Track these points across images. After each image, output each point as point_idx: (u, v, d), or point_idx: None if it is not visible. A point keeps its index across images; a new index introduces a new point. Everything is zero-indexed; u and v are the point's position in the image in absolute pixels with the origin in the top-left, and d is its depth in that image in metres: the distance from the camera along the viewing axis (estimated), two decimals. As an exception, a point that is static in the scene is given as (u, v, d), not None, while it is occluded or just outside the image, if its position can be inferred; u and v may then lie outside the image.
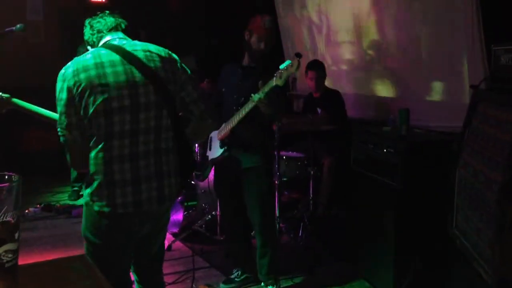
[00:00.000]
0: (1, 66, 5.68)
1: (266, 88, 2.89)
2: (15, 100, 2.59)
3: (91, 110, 2.04)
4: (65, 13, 6.63)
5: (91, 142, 2.09)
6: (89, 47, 2.33)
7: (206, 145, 3.51)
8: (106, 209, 2.10)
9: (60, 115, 2.08)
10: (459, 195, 2.82)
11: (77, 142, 2.10)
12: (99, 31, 2.26)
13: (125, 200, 2.10)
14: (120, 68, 2.09)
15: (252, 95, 2.95)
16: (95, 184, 2.10)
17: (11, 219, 1.07)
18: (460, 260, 2.73)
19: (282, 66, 2.80)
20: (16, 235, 1.09)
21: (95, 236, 2.19)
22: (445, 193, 2.98)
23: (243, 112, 3.05)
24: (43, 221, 5.05)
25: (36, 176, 5.85)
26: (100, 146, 2.07)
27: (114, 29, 2.28)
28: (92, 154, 2.09)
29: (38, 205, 5.38)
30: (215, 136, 3.38)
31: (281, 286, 3.51)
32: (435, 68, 4.47)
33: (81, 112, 2.05)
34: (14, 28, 3.07)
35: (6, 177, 1.08)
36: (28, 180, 5.24)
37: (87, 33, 2.30)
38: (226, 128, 3.24)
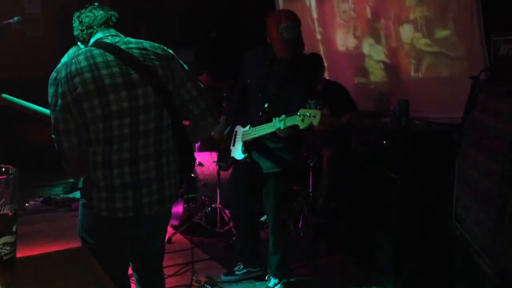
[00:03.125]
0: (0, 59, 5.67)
1: (288, 122, 2.83)
2: (5, 96, 2.50)
3: (88, 116, 1.93)
4: (63, 6, 6.60)
5: (89, 147, 1.98)
6: (79, 43, 2.21)
7: (231, 137, 3.46)
8: (105, 213, 2.03)
9: (56, 122, 1.96)
10: (459, 186, 2.81)
11: (74, 149, 1.99)
12: (88, 27, 2.12)
13: (126, 204, 2.02)
14: (116, 69, 1.98)
15: (274, 119, 2.90)
16: (93, 187, 2.02)
17: (8, 211, 1.06)
18: (460, 251, 2.74)
19: (309, 108, 2.71)
20: (14, 227, 1.09)
21: (92, 238, 2.12)
22: (445, 184, 2.98)
23: (262, 131, 3.02)
24: (43, 215, 5.05)
25: (36, 169, 5.85)
26: (99, 151, 1.98)
27: (105, 24, 2.14)
28: (90, 157, 1.99)
29: (38, 199, 5.38)
30: (240, 133, 3.31)
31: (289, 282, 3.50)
32: (435, 59, 4.45)
33: (78, 117, 1.94)
34: (11, 21, 3.04)
35: (3, 169, 1.07)
36: (28, 173, 5.24)
37: (76, 28, 2.16)
38: (249, 134, 3.18)
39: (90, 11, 2.14)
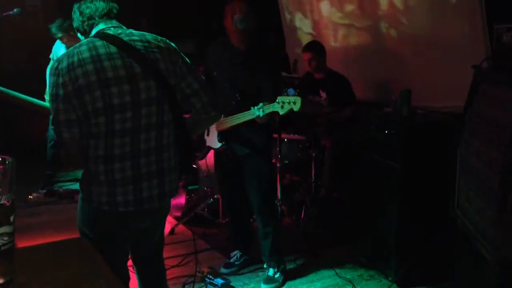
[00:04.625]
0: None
1: (267, 110, 2.96)
2: (2, 89, 2.44)
3: (90, 108, 1.91)
4: (64, -2, 6.58)
5: (90, 139, 1.96)
6: (79, 35, 2.17)
7: None
8: (105, 207, 2.02)
9: (57, 112, 1.93)
10: (461, 176, 2.81)
11: (75, 140, 1.96)
12: (90, 18, 2.08)
13: (126, 198, 2.01)
14: (118, 62, 1.95)
15: (252, 108, 3.02)
16: (94, 181, 2.01)
17: (6, 202, 1.06)
18: (462, 240, 2.73)
19: (289, 94, 2.90)
20: (12, 218, 1.08)
21: (92, 231, 2.10)
22: (447, 174, 2.97)
23: (240, 120, 3.13)
24: (46, 206, 5.06)
25: (39, 162, 5.86)
26: (100, 144, 1.96)
27: (106, 15, 2.10)
28: (91, 150, 1.98)
29: (41, 191, 5.40)
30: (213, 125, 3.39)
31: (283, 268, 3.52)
32: (437, 48, 4.42)
33: (79, 109, 1.91)
34: (11, 12, 3.05)
35: (0, 159, 1.07)
36: (30, 165, 5.23)
37: (77, 20, 2.11)
38: (224, 123, 3.26)
39: (91, 2, 2.10)
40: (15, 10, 3.04)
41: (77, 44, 2.00)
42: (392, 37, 4.98)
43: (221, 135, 3.34)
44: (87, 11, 2.08)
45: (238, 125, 3.18)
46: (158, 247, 2.43)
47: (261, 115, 2.98)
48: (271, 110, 2.95)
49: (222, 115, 3.27)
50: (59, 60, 1.96)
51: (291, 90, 2.92)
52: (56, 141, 2.01)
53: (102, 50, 1.95)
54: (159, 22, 6.58)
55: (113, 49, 1.97)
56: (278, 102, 2.90)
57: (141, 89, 1.98)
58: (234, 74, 3.25)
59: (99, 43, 1.98)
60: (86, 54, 1.93)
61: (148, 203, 2.07)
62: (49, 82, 1.96)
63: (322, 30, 5.97)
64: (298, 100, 2.87)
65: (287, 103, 2.88)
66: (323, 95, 4.75)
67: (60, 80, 1.91)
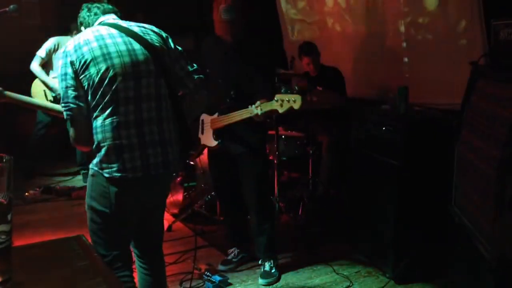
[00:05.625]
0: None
1: (265, 108, 2.94)
2: (7, 93, 2.54)
3: (96, 79, 2.12)
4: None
5: (97, 111, 2.15)
6: (82, 28, 2.39)
7: (197, 126, 3.50)
8: (116, 175, 2.16)
9: (66, 89, 2.14)
10: (459, 172, 2.81)
11: (83, 115, 2.17)
12: (95, 14, 2.35)
13: (134, 164, 2.17)
14: (119, 39, 2.21)
15: (250, 107, 3.00)
16: (103, 151, 2.16)
17: (3, 200, 1.06)
18: (460, 237, 2.74)
19: (287, 94, 2.85)
20: (9, 216, 1.08)
21: (103, 205, 2.22)
22: (445, 170, 2.97)
23: (237, 118, 3.11)
24: (43, 204, 5.05)
25: (36, 159, 5.85)
26: (106, 113, 2.14)
27: (108, 13, 2.38)
28: (99, 121, 2.15)
29: (37, 188, 5.39)
30: (207, 121, 3.37)
31: (280, 264, 3.53)
32: (434, 45, 4.43)
33: (86, 83, 2.13)
34: (7, 9, 3.03)
35: (-3, 157, 1.07)
36: (27, 163, 5.23)
37: (84, 14, 2.37)
38: (219, 121, 3.25)
39: (100, 3, 2.41)
40: (12, 6, 3.02)
41: (82, 32, 2.28)
42: (388, 34, 4.98)
43: (217, 134, 3.32)
44: (95, 10, 2.37)
45: (235, 123, 3.17)
46: (158, 233, 2.56)
47: (259, 113, 2.96)
48: (269, 108, 2.92)
49: (217, 113, 3.27)
50: (66, 45, 2.19)
51: (288, 88, 2.89)
52: (66, 118, 2.18)
53: (104, 32, 2.22)
54: (156, 18, 6.57)
55: (113, 30, 2.24)
56: (277, 100, 2.86)
57: (140, 61, 2.21)
58: (225, 68, 3.24)
59: (101, 27, 2.25)
60: (90, 36, 2.19)
61: (154, 169, 2.22)
62: (58, 65, 2.19)
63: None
64: (299, 98, 2.80)
65: (287, 101, 2.83)
66: (319, 89, 4.78)
67: (68, 60, 2.14)
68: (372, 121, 3.56)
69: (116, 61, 2.16)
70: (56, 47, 5.32)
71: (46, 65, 5.28)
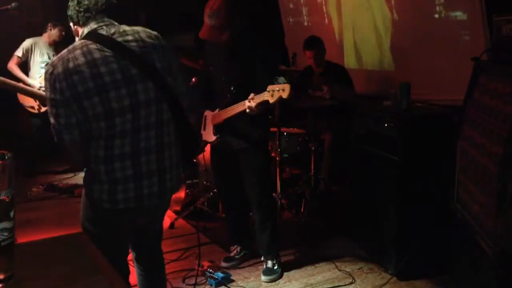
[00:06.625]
0: (-2, 45, 5.66)
1: (257, 100, 2.93)
2: (1, 78, 2.50)
3: (90, 113, 1.92)
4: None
5: (91, 142, 1.99)
6: (71, 24, 2.11)
7: (201, 122, 3.50)
8: (107, 205, 2.05)
9: (56, 116, 1.94)
10: (461, 169, 2.81)
11: (75, 142, 1.99)
12: (86, 10, 2.03)
13: (127, 196, 2.05)
14: (114, 66, 1.94)
15: (245, 102, 3.00)
16: (95, 179, 2.04)
17: (5, 197, 1.06)
18: (461, 233, 2.74)
19: (279, 82, 2.86)
20: (11, 213, 1.08)
21: (94, 227, 2.15)
22: (447, 166, 2.97)
23: (233, 111, 3.11)
24: (46, 201, 5.07)
25: (39, 157, 5.87)
26: (100, 146, 1.98)
27: (103, 12, 2.05)
28: (92, 153, 2.01)
29: (40, 186, 5.40)
30: (209, 117, 3.38)
31: (282, 261, 3.53)
32: (436, 41, 4.42)
33: (79, 113, 1.92)
34: (9, 6, 3.04)
35: (-1, 155, 1.07)
36: (29, 161, 5.22)
37: (73, 8, 2.06)
38: (219, 116, 3.26)
39: None
40: (13, 4, 3.03)
41: (71, 47, 1.97)
42: (391, 30, 4.97)
43: (217, 128, 3.33)
44: (85, 2, 2.03)
45: (232, 117, 3.16)
46: (156, 237, 2.48)
47: (253, 105, 2.95)
48: (261, 99, 2.91)
49: (218, 109, 3.28)
50: (53, 66, 1.93)
51: (281, 78, 2.88)
52: (58, 143, 2.02)
53: (97, 54, 1.93)
54: (158, 15, 6.57)
55: (108, 52, 1.95)
56: (269, 91, 2.86)
57: (139, 91, 1.98)
58: (225, 65, 3.25)
59: (93, 46, 1.95)
60: (81, 60, 1.91)
61: (147, 200, 2.09)
62: (46, 86, 1.95)
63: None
64: (287, 87, 2.80)
65: (277, 91, 2.82)
66: (325, 88, 4.75)
67: (57, 85, 1.90)
68: (373, 117, 3.56)
69: (112, 94, 1.92)
70: (33, 47, 5.41)
71: (24, 67, 5.38)
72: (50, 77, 1.92)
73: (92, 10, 2.03)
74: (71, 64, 1.90)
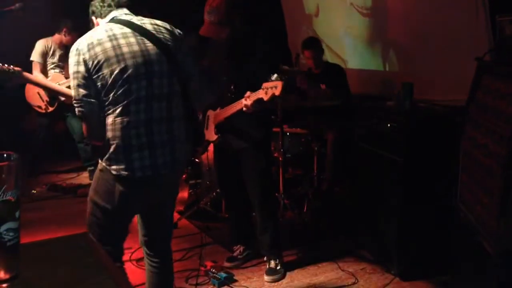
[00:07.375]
0: (1, 46, 5.65)
1: (253, 98, 2.95)
2: (25, 74, 2.70)
3: (109, 80, 2.13)
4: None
5: (109, 109, 2.17)
6: (93, 17, 2.39)
7: (203, 122, 3.52)
8: (124, 173, 2.17)
9: (78, 87, 2.15)
10: (463, 169, 2.81)
11: (95, 112, 2.18)
12: (109, 5, 2.33)
13: (143, 163, 2.18)
14: (132, 39, 2.20)
15: (242, 100, 3.02)
16: (112, 148, 2.18)
17: (11, 197, 1.06)
18: (464, 233, 2.74)
19: (272, 79, 2.86)
20: (17, 213, 1.09)
21: (106, 201, 2.26)
22: (449, 166, 2.97)
23: (231, 110, 3.13)
24: (50, 201, 5.09)
25: (41, 157, 5.88)
26: (117, 112, 2.16)
27: (122, 5, 2.35)
28: (110, 119, 2.17)
29: (44, 186, 5.42)
30: (211, 116, 3.40)
31: (285, 261, 3.53)
32: (439, 41, 4.41)
33: (99, 83, 2.14)
34: (13, 7, 3.05)
35: (5, 155, 1.07)
36: (33, 161, 5.23)
37: (97, 4, 2.35)
38: (220, 115, 3.27)
39: None
40: (17, 5, 3.04)
41: (93, 29, 2.27)
42: (394, 30, 4.97)
43: (218, 128, 3.34)
44: (109, 1, 2.33)
45: (232, 116, 3.18)
46: (168, 229, 2.58)
47: (248, 104, 2.96)
48: (255, 97, 2.93)
49: (219, 108, 3.29)
50: (77, 43, 2.18)
51: (275, 75, 2.88)
52: (78, 114, 2.20)
53: (117, 31, 2.21)
54: (162, 14, 6.57)
55: (126, 30, 2.22)
56: (263, 89, 2.88)
57: (153, 61, 2.22)
58: (225, 64, 3.27)
59: (114, 25, 2.23)
60: (103, 35, 2.18)
61: (163, 169, 2.23)
62: (70, 62, 2.18)
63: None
64: (279, 84, 2.80)
65: (270, 88, 2.84)
66: (323, 87, 4.78)
67: (81, 58, 2.14)
68: (376, 117, 3.56)
69: (129, 62, 2.16)
70: (46, 49, 5.40)
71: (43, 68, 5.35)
72: (76, 52, 2.16)
73: (113, 5, 2.34)
74: (94, 38, 2.17)
